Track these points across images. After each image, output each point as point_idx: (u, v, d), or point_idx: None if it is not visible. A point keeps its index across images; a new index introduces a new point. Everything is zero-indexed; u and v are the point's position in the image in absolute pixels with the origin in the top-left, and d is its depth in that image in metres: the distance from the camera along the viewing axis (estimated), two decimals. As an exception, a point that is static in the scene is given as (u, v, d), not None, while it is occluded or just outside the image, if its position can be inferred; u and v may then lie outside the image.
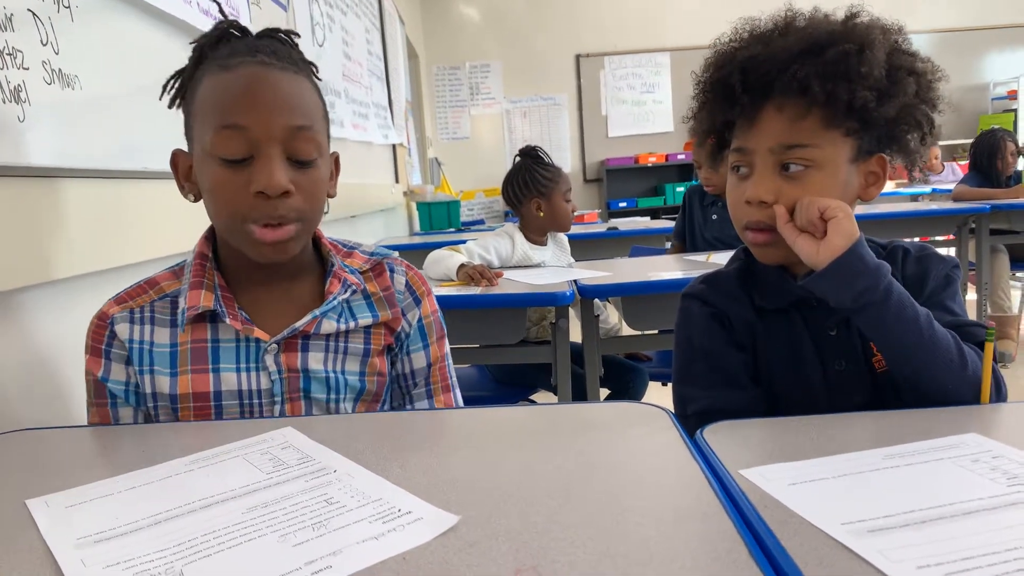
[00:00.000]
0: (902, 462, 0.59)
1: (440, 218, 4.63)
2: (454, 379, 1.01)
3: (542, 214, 2.27)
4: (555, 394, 1.98)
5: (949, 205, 3.80)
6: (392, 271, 0.97)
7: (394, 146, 4.42)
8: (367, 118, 3.59)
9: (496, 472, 0.62)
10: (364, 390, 0.92)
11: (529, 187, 2.26)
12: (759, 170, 0.85)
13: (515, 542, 0.49)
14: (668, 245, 3.26)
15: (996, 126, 4.38)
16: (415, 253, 2.18)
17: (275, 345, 0.87)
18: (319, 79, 0.92)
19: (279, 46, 0.87)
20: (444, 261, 2.04)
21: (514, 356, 2.03)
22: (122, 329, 0.88)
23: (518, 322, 1.89)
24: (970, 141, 4.66)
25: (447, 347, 1.01)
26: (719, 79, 0.87)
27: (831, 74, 0.79)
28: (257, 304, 0.90)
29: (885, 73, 0.80)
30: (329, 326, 0.90)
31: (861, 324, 0.81)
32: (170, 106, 0.89)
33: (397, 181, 4.49)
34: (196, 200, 0.88)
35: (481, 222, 5.81)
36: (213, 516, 0.55)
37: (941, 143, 6.98)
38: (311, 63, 0.91)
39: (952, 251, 3.63)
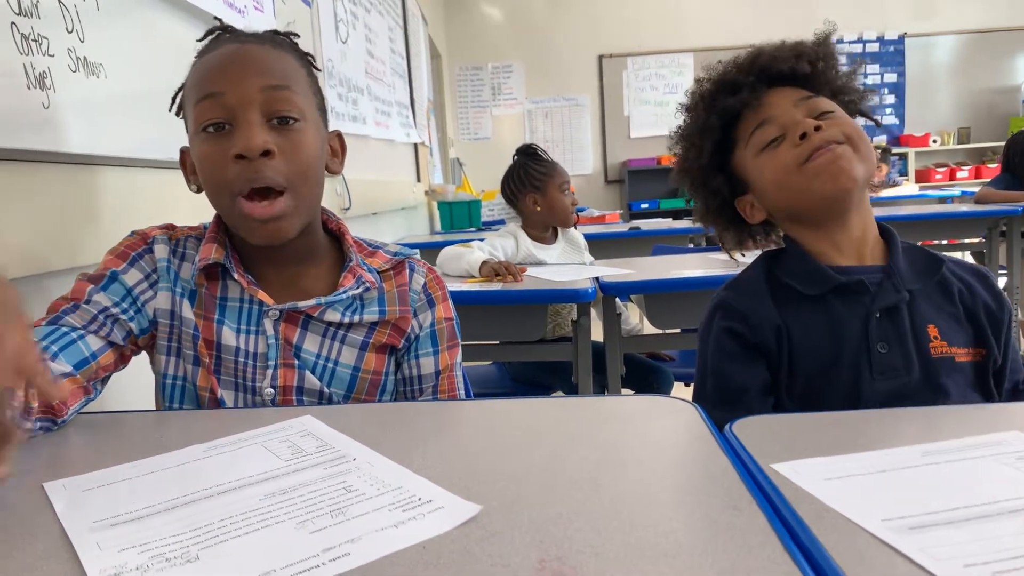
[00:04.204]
0: (942, 459, 0.56)
1: (461, 218, 4.62)
2: (463, 391, 0.99)
3: (539, 208, 2.26)
4: (575, 394, 1.96)
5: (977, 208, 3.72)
6: (412, 270, 0.97)
7: (416, 145, 4.43)
8: (390, 116, 3.59)
9: (519, 462, 0.61)
10: (354, 387, 0.91)
11: (524, 182, 2.26)
12: (795, 117, 0.91)
13: (539, 532, 0.47)
14: (691, 245, 3.24)
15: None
16: (437, 252, 2.18)
17: (276, 312, 0.88)
18: (317, 68, 0.94)
19: (268, 33, 0.90)
20: (464, 257, 2.03)
21: (533, 354, 2.02)
22: (160, 249, 0.89)
23: (539, 319, 1.88)
24: (1000, 144, 4.58)
25: (459, 357, 0.99)
26: (720, 78, 0.98)
27: (822, 56, 0.96)
28: (266, 282, 0.90)
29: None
30: (333, 315, 0.90)
31: None
32: (177, 113, 0.91)
33: (419, 180, 4.49)
34: (199, 191, 0.89)
35: (502, 222, 5.78)
36: (230, 502, 0.54)
37: (970, 145, 6.87)
38: (308, 54, 0.93)
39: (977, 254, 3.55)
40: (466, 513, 0.50)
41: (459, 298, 1.80)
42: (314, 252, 0.94)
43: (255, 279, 0.89)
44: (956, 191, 5.40)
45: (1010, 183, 3.97)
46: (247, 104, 0.81)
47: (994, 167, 6.05)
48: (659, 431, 0.68)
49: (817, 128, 0.89)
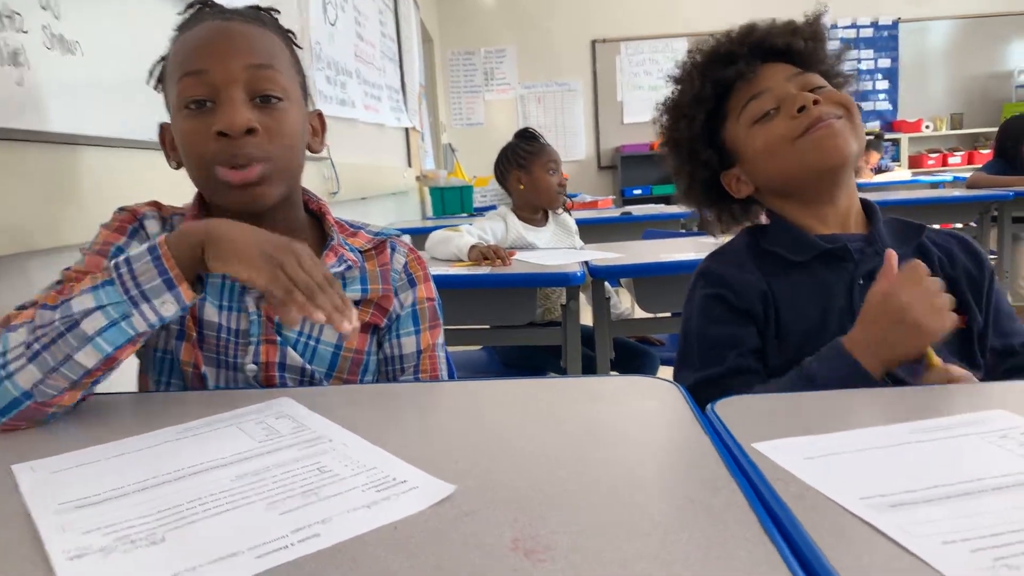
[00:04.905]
0: (925, 437, 0.56)
1: (453, 203, 4.60)
2: (445, 371, 0.98)
3: (522, 187, 2.26)
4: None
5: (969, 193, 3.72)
6: (394, 250, 0.97)
7: (407, 130, 4.40)
8: (380, 100, 3.56)
9: (498, 442, 0.60)
10: (336, 365, 0.90)
11: (510, 161, 2.27)
12: (791, 90, 0.91)
13: (514, 512, 0.46)
14: (682, 230, 3.22)
15: (1023, 113, 4.28)
16: (427, 238, 2.16)
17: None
18: (298, 46, 0.93)
19: (250, 10, 0.89)
20: (453, 241, 2.01)
21: (523, 338, 2.01)
22: (152, 225, 0.89)
23: (528, 303, 1.86)
24: (993, 129, 4.56)
25: (441, 338, 0.98)
26: (714, 50, 0.96)
27: (813, 35, 0.96)
28: None
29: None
30: None
31: None
32: (155, 87, 0.90)
33: (410, 165, 4.46)
34: (179, 167, 0.88)
35: (494, 207, 5.77)
36: (201, 483, 0.53)
37: (963, 131, 6.86)
38: (289, 31, 0.92)
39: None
40: (440, 493, 0.49)
41: (448, 282, 1.80)
42: (295, 231, 0.93)
43: None
44: (948, 176, 5.39)
45: (1002, 168, 3.96)
46: (231, 82, 0.81)
47: (986, 153, 6.05)
48: (641, 411, 0.67)
49: (815, 102, 0.88)
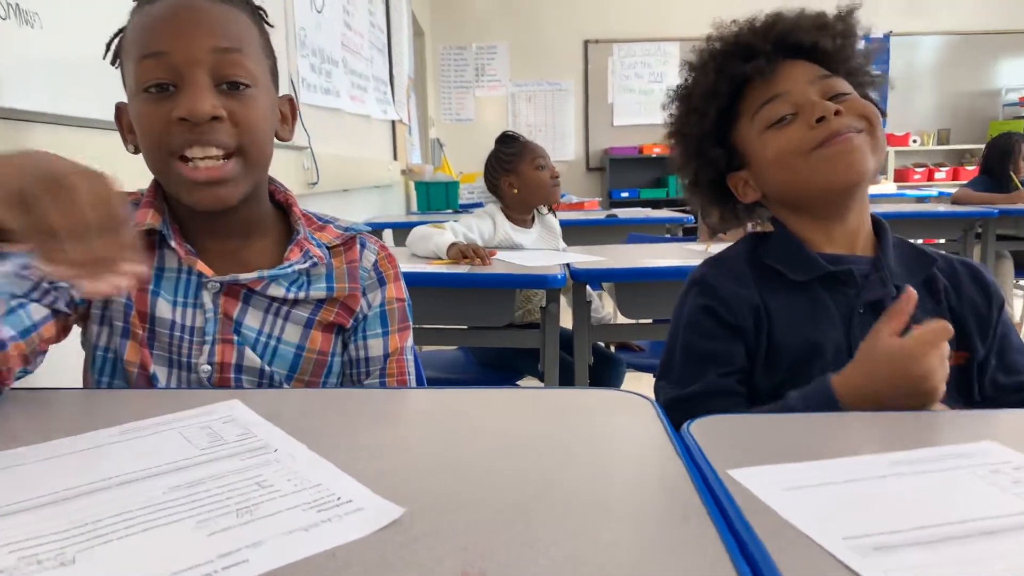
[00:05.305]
0: (911, 470, 0.52)
1: (438, 199, 4.55)
2: (413, 376, 0.93)
3: (516, 190, 2.22)
4: (542, 381, 1.91)
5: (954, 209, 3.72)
6: (363, 246, 0.92)
7: (393, 122, 4.34)
8: (366, 91, 3.50)
9: (456, 460, 0.56)
10: (298, 367, 0.86)
11: (497, 168, 2.23)
12: (811, 96, 0.84)
13: (466, 540, 0.42)
14: (667, 235, 3.20)
15: (1010, 131, 4.30)
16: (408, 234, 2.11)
17: (216, 284, 0.82)
18: (269, 24, 0.88)
19: None
20: (433, 239, 1.97)
21: (501, 339, 1.96)
22: None
23: (507, 304, 1.82)
24: (979, 146, 4.58)
25: (410, 340, 0.94)
26: (734, 40, 0.89)
27: (843, 32, 0.89)
28: (207, 254, 0.84)
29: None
30: (277, 290, 0.84)
31: None
32: (112, 63, 0.84)
33: (395, 158, 4.40)
34: (137, 152, 0.83)
35: (480, 205, 5.72)
36: (128, 495, 0.48)
37: (949, 147, 6.90)
38: (260, 8, 0.87)
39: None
40: (387, 516, 0.45)
41: (425, 280, 1.76)
42: (259, 223, 0.88)
43: (194, 250, 0.83)
44: (934, 191, 5.41)
45: (988, 186, 3.98)
46: (195, 65, 0.75)
47: (972, 169, 6.08)
48: (613, 428, 0.63)
49: (836, 112, 0.82)
